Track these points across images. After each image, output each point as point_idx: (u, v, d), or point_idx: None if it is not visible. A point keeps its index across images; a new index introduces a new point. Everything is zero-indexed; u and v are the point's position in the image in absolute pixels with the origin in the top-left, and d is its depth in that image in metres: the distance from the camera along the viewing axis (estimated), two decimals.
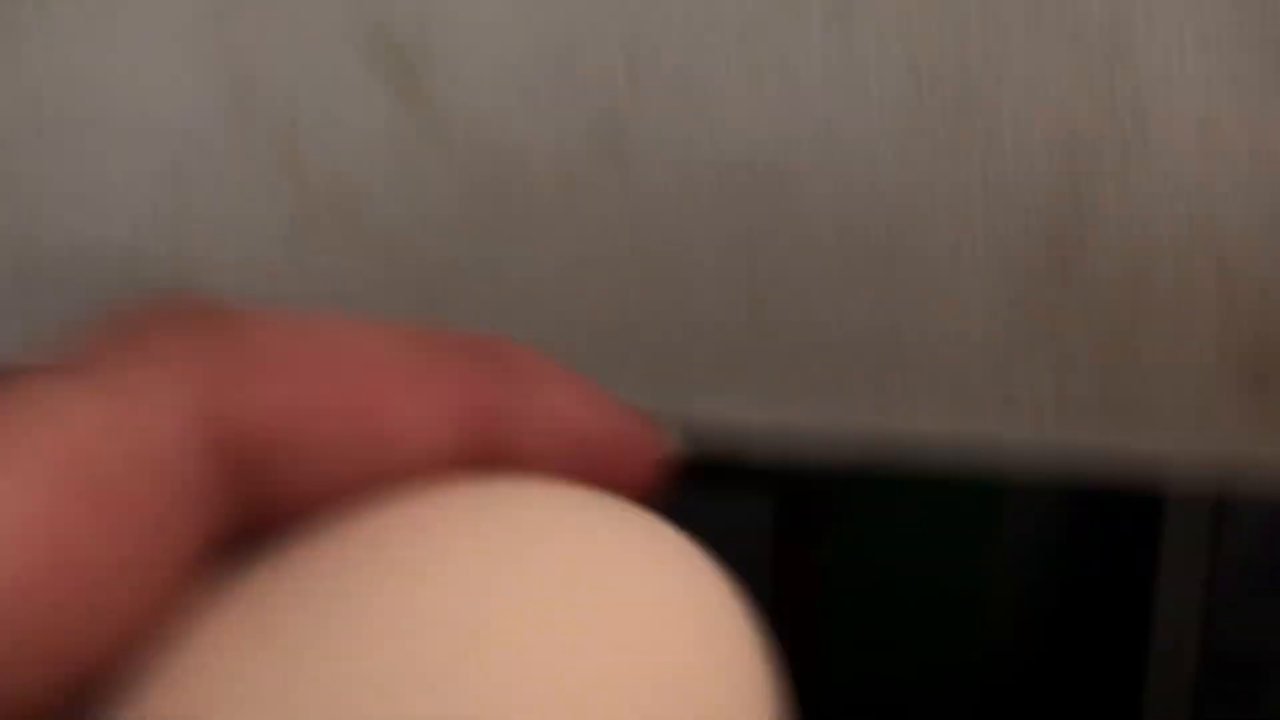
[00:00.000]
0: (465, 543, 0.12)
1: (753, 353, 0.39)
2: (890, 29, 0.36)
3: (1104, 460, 0.38)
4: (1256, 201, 0.36)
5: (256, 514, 0.12)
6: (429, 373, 0.13)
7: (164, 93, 0.39)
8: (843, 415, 0.39)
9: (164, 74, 0.39)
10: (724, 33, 0.37)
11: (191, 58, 0.39)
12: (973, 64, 0.36)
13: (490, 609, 0.11)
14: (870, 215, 0.38)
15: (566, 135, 0.38)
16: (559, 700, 0.11)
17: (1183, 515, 0.70)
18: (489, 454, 0.13)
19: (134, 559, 0.11)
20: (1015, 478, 0.65)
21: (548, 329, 0.39)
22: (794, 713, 0.13)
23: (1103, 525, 0.77)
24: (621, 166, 0.38)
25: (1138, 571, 0.72)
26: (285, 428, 0.12)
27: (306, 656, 0.11)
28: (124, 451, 0.11)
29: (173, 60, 0.39)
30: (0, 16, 0.39)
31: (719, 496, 0.71)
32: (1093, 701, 0.76)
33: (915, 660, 0.78)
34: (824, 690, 0.75)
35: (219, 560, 0.12)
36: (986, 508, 0.77)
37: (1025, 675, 0.80)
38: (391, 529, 0.12)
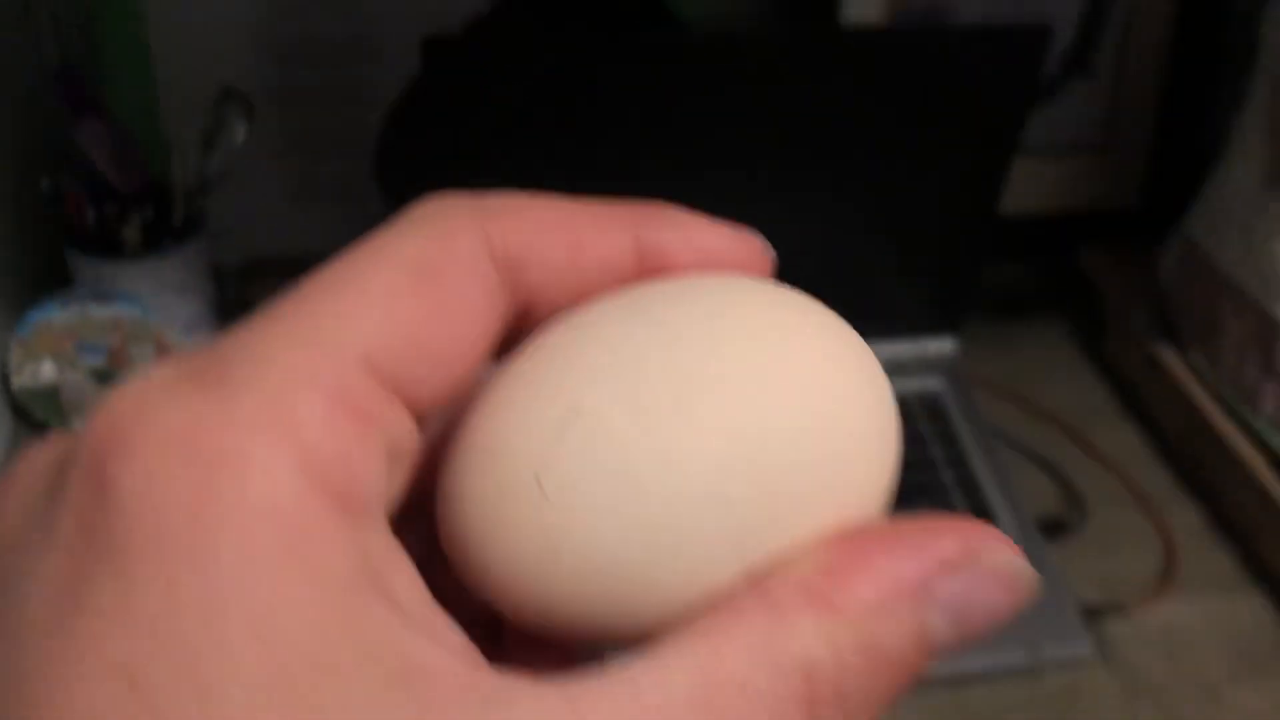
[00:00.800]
0: (684, 306, 0.18)
1: None
2: None
3: None
4: None
5: (516, 319, 0.19)
6: (612, 222, 0.19)
7: None
8: None
9: None
10: None
11: None
12: None
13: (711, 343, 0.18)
14: None
15: None
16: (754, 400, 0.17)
17: None
18: (656, 274, 0.20)
19: (465, 315, 0.18)
20: None
21: None
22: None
23: None
24: None
25: None
26: (531, 246, 0.19)
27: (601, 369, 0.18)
28: (448, 255, 0.18)
29: None
30: None
31: None
32: None
33: None
34: None
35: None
36: None
37: None
38: (639, 302, 0.19)
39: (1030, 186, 0.87)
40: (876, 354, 0.19)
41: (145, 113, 0.80)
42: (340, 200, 0.85)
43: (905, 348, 0.77)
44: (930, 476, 0.72)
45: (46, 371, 0.72)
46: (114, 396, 0.16)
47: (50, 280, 0.76)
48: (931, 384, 0.76)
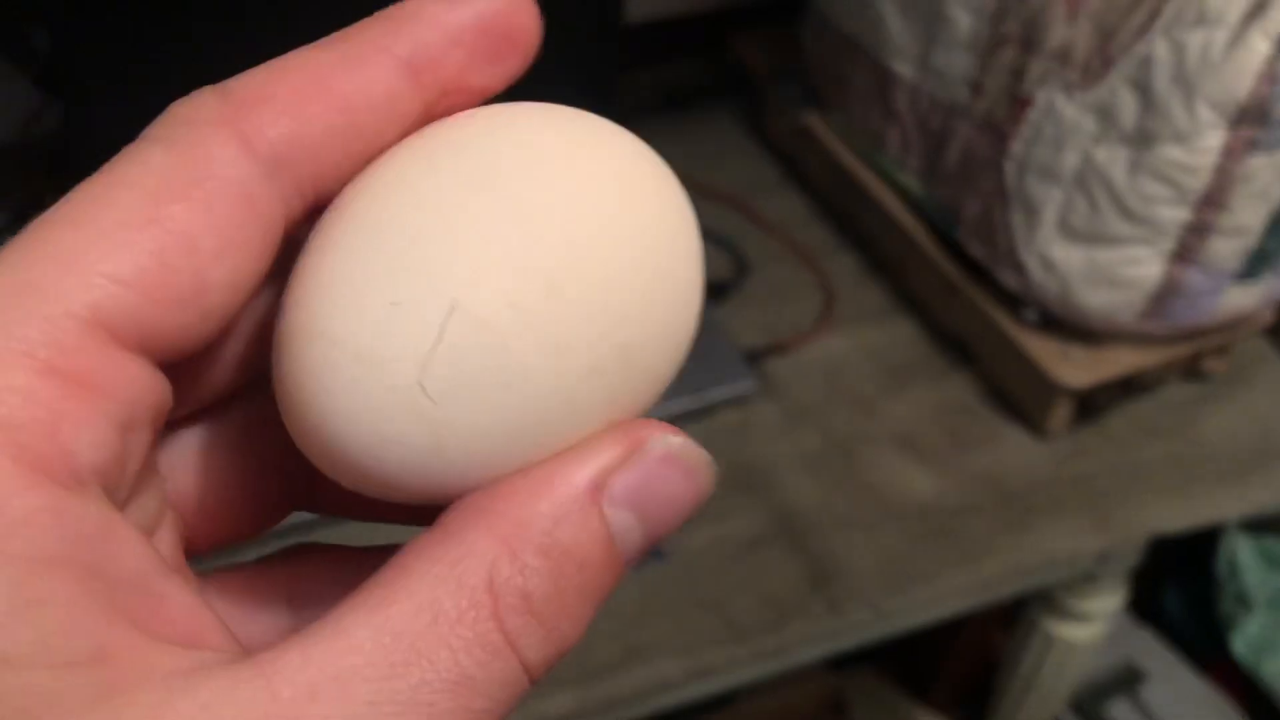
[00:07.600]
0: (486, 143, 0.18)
1: None
2: None
3: None
4: None
5: (304, 205, 0.18)
6: (365, 53, 0.18)
7: None
8: None
9: None
10: None
11: None
12: None
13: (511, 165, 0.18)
14: None
15: None
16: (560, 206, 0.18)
17: None
18: (436, 90, 0.18)
19: (235, 229, 0.17)
20: None
21: None
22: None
23: None
24: None
25: None
26: (296, 135, 0.17)
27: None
28: (198, 173, 0.17)
29: None
30: None
31: None
32: None
33: None
34: None
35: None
36: None
37: None
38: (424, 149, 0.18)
39: None
40: None
41: None
42: None
43: None
44: None
45: None
46: None
47: None
48: None
